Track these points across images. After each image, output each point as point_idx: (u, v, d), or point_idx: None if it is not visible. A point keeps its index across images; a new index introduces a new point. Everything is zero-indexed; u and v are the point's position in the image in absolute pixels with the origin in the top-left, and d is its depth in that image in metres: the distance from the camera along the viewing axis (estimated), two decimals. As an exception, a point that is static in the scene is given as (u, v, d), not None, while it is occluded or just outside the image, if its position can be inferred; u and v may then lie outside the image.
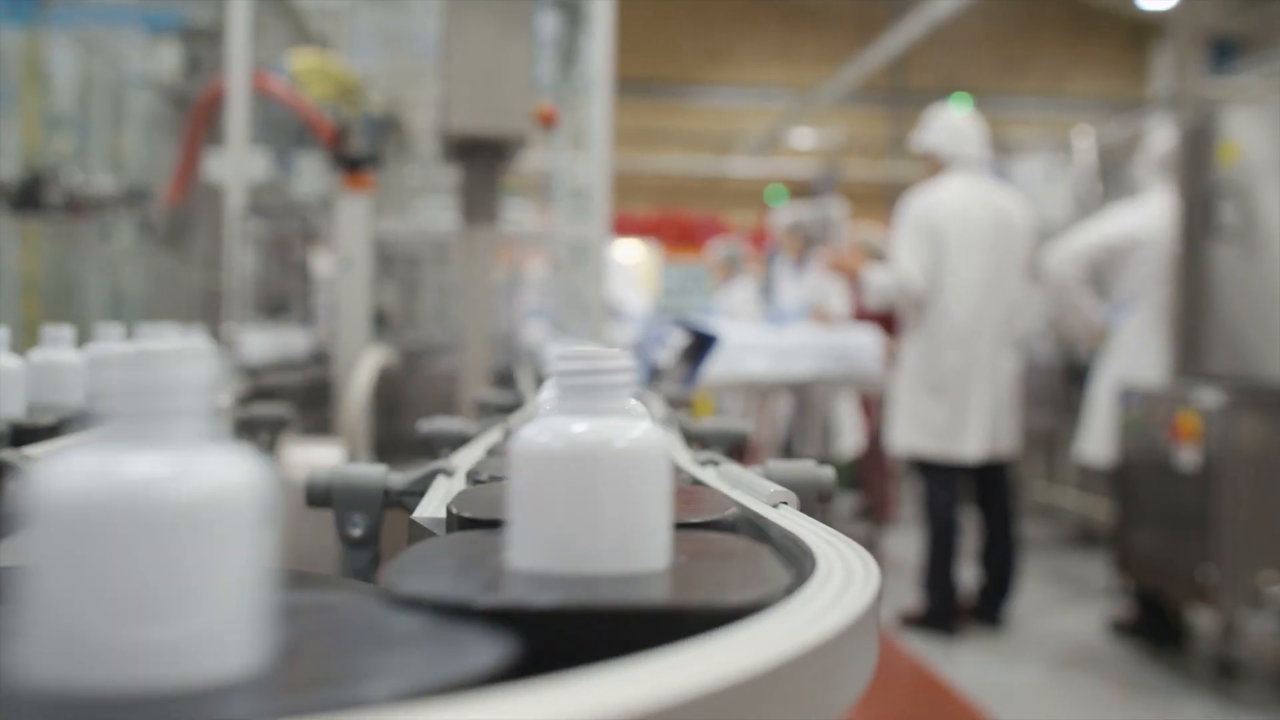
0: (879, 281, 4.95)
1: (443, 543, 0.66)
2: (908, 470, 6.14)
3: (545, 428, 0.57)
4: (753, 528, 0.75)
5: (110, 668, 0.39)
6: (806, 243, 7.27)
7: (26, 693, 0.39)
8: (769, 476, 0.89)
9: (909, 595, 5.32)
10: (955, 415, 4.83)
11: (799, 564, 0.63)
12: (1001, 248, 4.90)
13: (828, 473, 0.91)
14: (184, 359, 0.42)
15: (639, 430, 0.57)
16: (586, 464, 0.55)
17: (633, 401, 0.60)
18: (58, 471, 0.40)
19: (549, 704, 0.36)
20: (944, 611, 4.86)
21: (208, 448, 0.42)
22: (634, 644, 0.46)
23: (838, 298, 7.05)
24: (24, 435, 1.18)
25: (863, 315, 7.08)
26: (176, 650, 0.40)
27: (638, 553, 0.56)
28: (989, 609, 4.97)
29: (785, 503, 0.79)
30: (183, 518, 0.40)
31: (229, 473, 0.42)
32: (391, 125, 4.40)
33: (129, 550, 0.39)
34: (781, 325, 6.37)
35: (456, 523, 0.72)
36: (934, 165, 5.01)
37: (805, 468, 0.92)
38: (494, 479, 0.91)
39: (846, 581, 0.54)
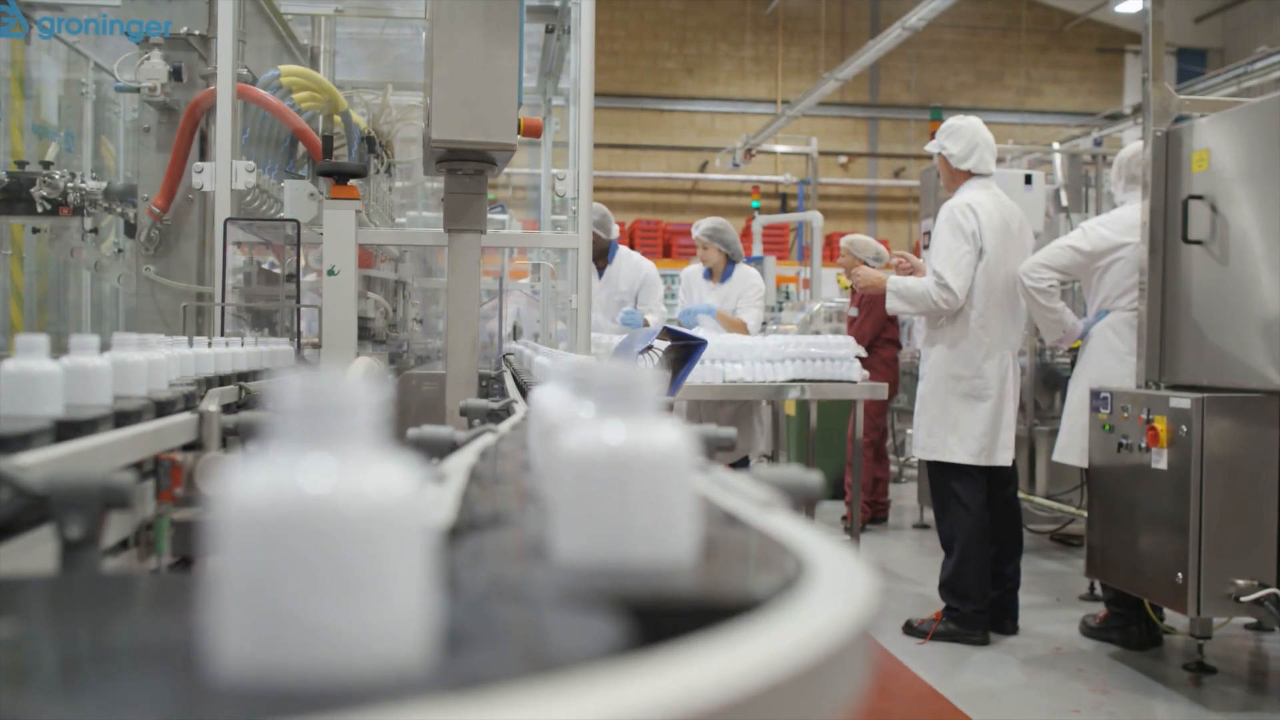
0: (919, 289, 4.93)
1: (481, 541, 0.70)
2: (925, 475, 6.11)
3: (584, 435, 0.62)
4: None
5: (304, 652, 0.43)
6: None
7: (226, 682, 0.43)
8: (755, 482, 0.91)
9: (900, 604, 5.38)
10: (994, 422, 4.89)
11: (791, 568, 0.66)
12: (1017, 256, 4.99)
13: (814, 478, 0.92)
14: (357, 379, 0.47)
15: (670, 436, 0.62)
16: (624, 467, 0.61)
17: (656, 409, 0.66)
18: (251, 484, 0.45)
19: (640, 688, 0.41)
20: (978, 618, 4.86)
21: (381, 459, 0.47)
22: (673, 626, 0.53)
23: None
24: None
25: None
26: (363, 637, 0.44)
27: (670, 545, 0.61)
28: (1009, 616, 4.99)
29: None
30: (358, 526, 0.45)
31: (401, 483, 0.46)
32: (377, 143, 4.41)
33: (318, 553, 0.44)
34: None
35: (469, 523, 0.77)
36: (953, 174, 5.07)
37: (791, 473, 0.92)
38: (498, 481, 0.96)
39: (848, 584, 0.58)
